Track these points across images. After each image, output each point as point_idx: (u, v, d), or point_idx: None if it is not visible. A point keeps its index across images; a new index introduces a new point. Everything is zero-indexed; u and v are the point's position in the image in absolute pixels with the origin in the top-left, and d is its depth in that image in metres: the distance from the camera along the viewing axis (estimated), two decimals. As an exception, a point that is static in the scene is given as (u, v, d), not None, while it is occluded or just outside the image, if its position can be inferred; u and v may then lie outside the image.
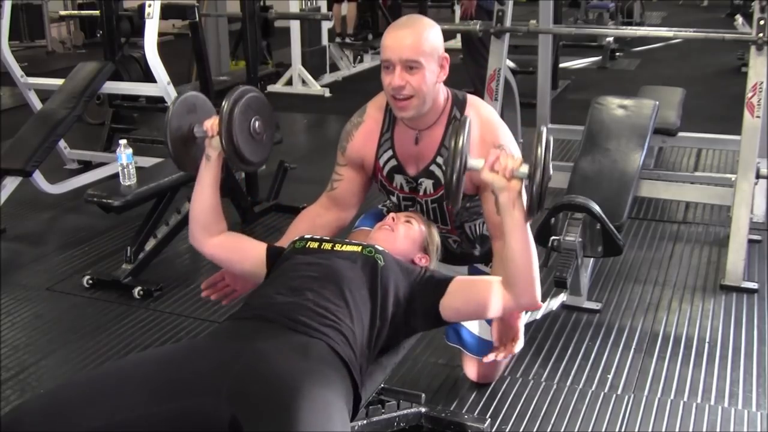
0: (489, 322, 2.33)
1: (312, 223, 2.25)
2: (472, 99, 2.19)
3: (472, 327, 2.36)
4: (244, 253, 2.05)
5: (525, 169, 1.70)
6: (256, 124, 2.02)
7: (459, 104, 2.15)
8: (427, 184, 2.18)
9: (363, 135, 2.22)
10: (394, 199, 2.27)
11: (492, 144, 2.10)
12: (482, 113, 2.15)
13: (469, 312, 1.91)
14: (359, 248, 1.93)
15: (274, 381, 1.56)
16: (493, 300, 1.82)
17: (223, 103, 1.96)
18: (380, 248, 1.94)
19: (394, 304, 1.86)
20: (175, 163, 2.10)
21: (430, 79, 2.02)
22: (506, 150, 2.08)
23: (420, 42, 1.99)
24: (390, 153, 2.19)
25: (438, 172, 2.14)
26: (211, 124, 1.99)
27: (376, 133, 2.20)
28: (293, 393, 1.51)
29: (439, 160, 2.13)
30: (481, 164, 1.75)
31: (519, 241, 1.75)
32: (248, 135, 2.00)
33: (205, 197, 2.05)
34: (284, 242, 2.10)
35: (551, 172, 1.69)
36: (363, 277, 1.85)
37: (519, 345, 2.10)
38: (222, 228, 2.09)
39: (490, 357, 2.09)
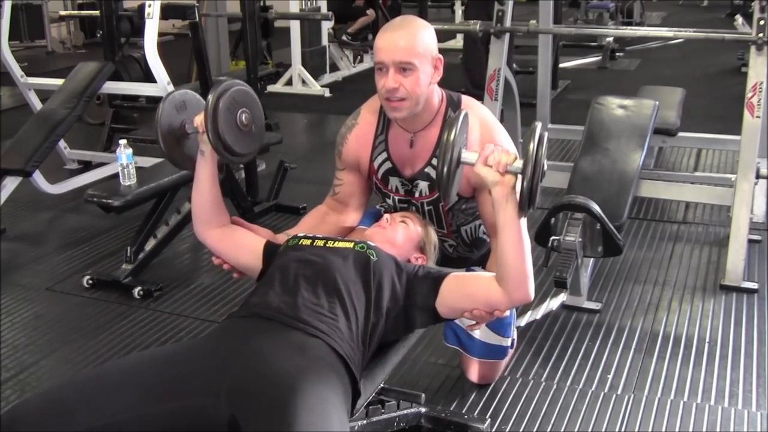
0: (493, 327, 2.33)
1: (321, 220, 2.25)
2: (467, 100, 2.18)
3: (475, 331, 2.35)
4: (240, 249, 2.05)
5: (519, 164, 1.69)
6: (243, 116, 2.01)
7: (454, 105, 2.14)
8: (422, 185, 2.17)
9: (357, 137, 2.21)
10: (390, 201, 2.26)
11: None
12: (480, 114, 2.14)
13: (465, 308, 1.89)
14: (351, 244, 1.94)
15: (272, 380, 1.56)
16: (486, 295, 1.82)
17: (208, 97, 1.95)
18: (372, 244, 1.94)
19: (390, 299, 1.86)
20: (169, 161, 2.11)
21: (424, 80, 2.01)
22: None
23: (413, 44, 1.98)
24: (384, 155, 2.18)
25: (433, 174, 2.12)
26: (200, 120, 1.98)
27: (371, 135, 2.19)
28: (291, 392, 1.52)
29: (435, 161, 2.11)
30: (474, 158, 1.74)
31: (512, 236, 1.74)
32: (235, 128, 1.99)
33: (203, 192, 2.06)
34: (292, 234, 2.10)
35: (545, 167, 1.68)
36: (356, 272, 1.86)
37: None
38: (224, 220, 2.09)
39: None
